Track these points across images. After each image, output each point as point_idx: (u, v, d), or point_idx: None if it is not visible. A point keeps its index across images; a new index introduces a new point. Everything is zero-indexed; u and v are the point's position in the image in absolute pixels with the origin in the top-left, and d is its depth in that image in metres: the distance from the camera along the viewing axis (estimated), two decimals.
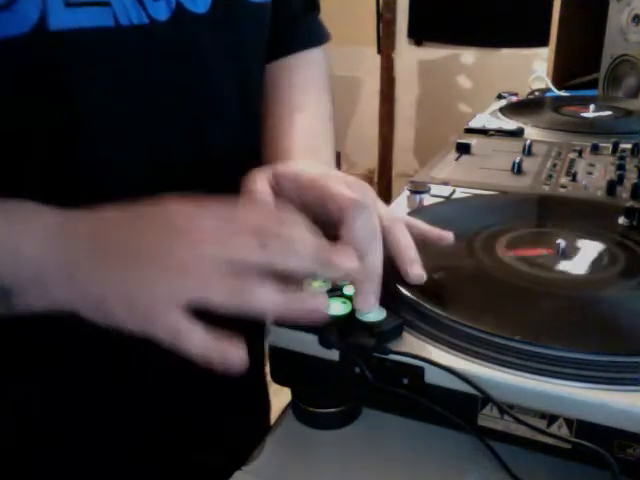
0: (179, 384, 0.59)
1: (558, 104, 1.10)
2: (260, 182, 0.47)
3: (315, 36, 0.69)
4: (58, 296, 0.39)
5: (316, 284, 0.45)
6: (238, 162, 0.53)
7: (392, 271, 0.48)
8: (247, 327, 0.46)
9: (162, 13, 0.47)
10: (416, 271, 0.44)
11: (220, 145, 0.55)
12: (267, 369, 0.57)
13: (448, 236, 0.49)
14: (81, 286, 0.39)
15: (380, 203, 0.47)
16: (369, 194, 0.45)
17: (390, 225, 0.45)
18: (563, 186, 0.72)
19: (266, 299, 0.36)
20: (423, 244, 0.47)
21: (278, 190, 0.47)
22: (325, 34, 0.70)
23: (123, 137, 0.48)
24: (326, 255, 0.38)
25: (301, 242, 0.37)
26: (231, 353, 0.36)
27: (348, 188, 0.44)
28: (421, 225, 0.49)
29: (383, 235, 0.44)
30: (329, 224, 0.43)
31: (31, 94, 0.44)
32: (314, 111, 0.64)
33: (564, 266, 0.50)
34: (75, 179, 0.47)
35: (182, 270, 0.36)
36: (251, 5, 0.54)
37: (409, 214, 0.61)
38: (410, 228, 0.47)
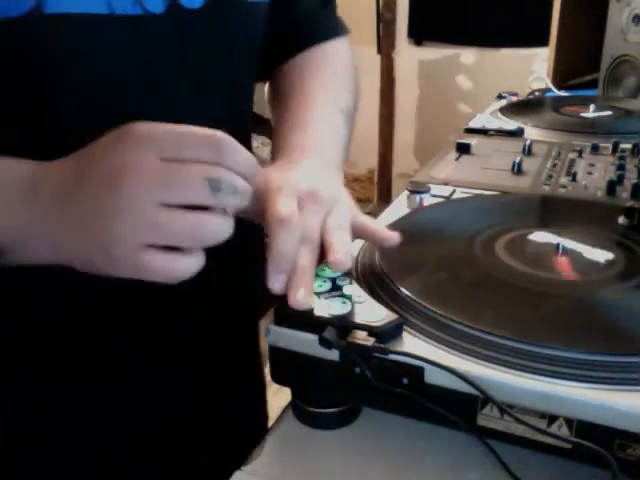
0: (179, 385, 0.59)
1: (558, 104, 1.10)
2: None
3: (332, 30, 0.69)
4: (44, 257, 0.41)
5: (316, 284, 0.45)
6: None
7: (391, 271, 0.48)
8: (240, 328, 0.46)
9: (157, 6, 0.47)
10: (387, 234, 0.48)
11: None
12: (266, 369, 0.57)
13: (392, 237, 0.49)
14: (60, 250, 0.40)
15: (340, 209, 0.47)
16: (320, 207, 0.46)
17: (331, 231, 0.45)
18: (563, 186, 0.72)
19: (224, 230, 0.38)
20: (424, 245, 0.47)
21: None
22: (342, 27, 0.70)
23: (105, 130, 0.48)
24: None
25: (245, 187, 0.39)
26: (186, 265, 0.38)
27: (292, 202, 0.44)
28: (370, 226, 0.50)
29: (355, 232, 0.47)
30: None
31: (19, 78, 0.44)
32: (327, 107, 0.63)
33: (564, 266, 0.50)
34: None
35: (130, 216, 0.36)
36: (245, 4, 0.54)
37: (409, 214, 0.61)
38: (360, 228, 0.48)
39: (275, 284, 0.42)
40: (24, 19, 0.41)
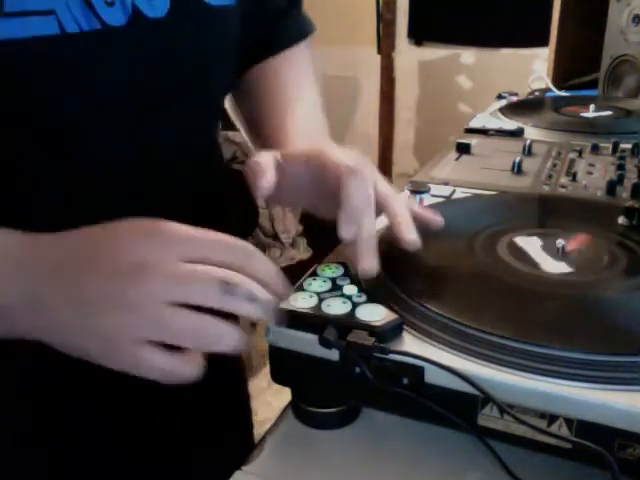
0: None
1: (558, 104, 1.10)
2: (266, 156, 0.46)
3: (302, 31, 0.69)
4: (27, 331, 0.39)
5: (316, 284, 0.45)
6: (191, 175, 0.55)
7: (391, 271, 0.48)
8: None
9: (117, 19, 0.45)
10: (410, 236, 0.45)
11: (172, 155, 0.54)
12: (265, 370, 0.57)
13: (437, 221, 0.49)
14: (50, 332, 0.39)
15: (379, 177, 0.48)
16: (367, 165, 0.46)
17: (385, 197, 0.46)
18: (563, 186, 0.72)
19: (228, 338, 0.37)
20: (424, 245, 0.47)
21: (284, 166, 0.47)
22: (310, 26, 0.70)
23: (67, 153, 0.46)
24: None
25: (265, 296, 0.38)
26: (185, 368, 0.37)
27: (347, 158, 0.45)
28: (414, 206, 0.50)
29: (380, 206, 0.45)
30: (332, 195, 0.44)
31: None
32: (311, 106, 0.64)
33: (564, 266, 0.50)
34: (27, 195, 0.46)
35: (136, 311, 0.36)
36: (212, 8, 0.52)
37: None
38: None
39: (347, 234, 0.43)
40: None
